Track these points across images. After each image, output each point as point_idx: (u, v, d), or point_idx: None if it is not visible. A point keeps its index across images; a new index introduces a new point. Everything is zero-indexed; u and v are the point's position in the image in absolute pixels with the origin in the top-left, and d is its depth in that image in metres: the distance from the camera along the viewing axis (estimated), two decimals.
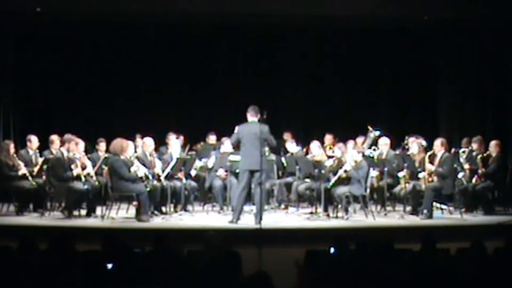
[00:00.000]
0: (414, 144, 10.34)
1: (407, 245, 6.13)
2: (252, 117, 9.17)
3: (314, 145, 10.69)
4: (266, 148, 10.67)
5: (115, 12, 11.54)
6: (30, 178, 9.77)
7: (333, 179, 9.66)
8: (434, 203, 9.82)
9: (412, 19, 12.15)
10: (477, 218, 9.99)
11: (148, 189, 9.26)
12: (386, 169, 10.09)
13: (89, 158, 10.04)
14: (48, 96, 12.61)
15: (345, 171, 9.57)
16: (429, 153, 9.87)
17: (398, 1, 11.40)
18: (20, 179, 9.80)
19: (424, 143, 10.38)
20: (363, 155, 10.01)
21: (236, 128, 9.23)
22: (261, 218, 8.86)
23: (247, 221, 9.15)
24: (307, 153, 10.90)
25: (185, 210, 10.32)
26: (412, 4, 11.32)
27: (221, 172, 10.59)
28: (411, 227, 9.11)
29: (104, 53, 12.69)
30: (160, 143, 11.04)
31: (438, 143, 9.92)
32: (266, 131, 9.04)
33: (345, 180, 9.66)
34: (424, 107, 13.21)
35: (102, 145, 10.75)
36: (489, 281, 4.45)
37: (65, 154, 9.56)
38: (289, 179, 10.93)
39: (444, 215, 10.12)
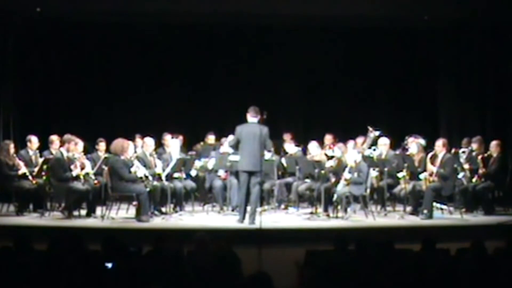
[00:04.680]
0: (414, 144, 10.33)
1: (407, 245, 6.14)
2: (252, 117, 9.18)
3: (312, 145, 10.70)
4: (272, 149, 10.69)
5: (115, 12, 11.54)
6: (30, 177, 9.77)
7: (340, 186, 9.64)
8: (434, 203, 9.82)
9: (412, 19, 12.14)
10: (477, 218, 9.98)
11: (148, 189, 9.26)
12: (386, 169, 10.08)
13: (88, 158, 10.05)
14: (48, 96, 12.60)
15: (346, 179, 9.58)
16: (430, 154, 9.86)
17: (399, 1, 11.40)
18: (20, 179, 9.80)
19: (422, 142, 10.39)
20: (363, 156, 10.00)
21: (236, 129, 9.23)
22: (254, 219, 8.89)
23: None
24: (305, 153, 10.90)
25: (181, 209, 10.27)
26: (412, 4, 11.31)
27: (221, 172, 10.59)
28: (411, 227, 9.11)
29: (104, 53, 12.68)
30: (160, 143, 11.02)
31: (439, 144, 9.91)
32: (265, 133, 9.06)
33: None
34: (424, 107, 13.20)
35: (102, 145, 10.75)
36: (489, 281, 4.45)
37: (65, 154, 9.56)
38: (289, 179, 10.92)
39: (444, 215, 10.11)
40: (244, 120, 9.26)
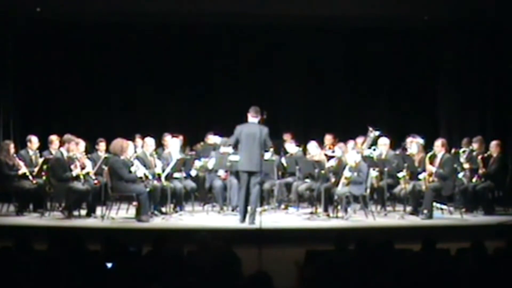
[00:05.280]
0: (414, 144, 10.34)
1: (407, 245, 6.13)
2: (252, 117, 9.18)
3: (312, 145, 10.70)
4: (269, 149, 10.69)
5: (114, 12, 11.53)
6: (30, 177, 9.77)
7: (340, 186, 9.63)
8: (434, 203, 9.82)
9: (412, 19, 12.14)
10: (477, 218, 9.99)
11: (148, 189, 9.26)
12: (386, 169, 10.09)
13: (89, 158, 10.06)
14: (48, 96, 12.59)
15: (346, 178, 9.58)
16: (429, 154, 9.87)
17: (399, 1, 11.40)
18: (20, 179, 9.80)
19: (421, 141, 10.39)
20: (363, 156, 10.00)
21: (236, 128, 9.24)
22: (254, 219, 8.89)
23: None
24: (305, 153, 10.90)
25: (181, 209, 10.25)
26: (412, 4, 11.31)
27: (221, 172, 10.59)
28: (411, 227, 9.12)
29: (104, 53, 12.66)
30: (160, 143, 11.02)
31: (438, 144, 9.91)
32: (265, 133, 9.06)
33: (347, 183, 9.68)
34: (424, 107, 13.20)
35: (102, 145, 10.75)
36: (489, 281, 4.45)
37: (65, 154, 9.56)
38: (289, 179, 10.92)
39: (444, 215, 10.11)
40: (244, 120, 9.26)
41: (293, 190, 10.61)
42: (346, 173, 9.59)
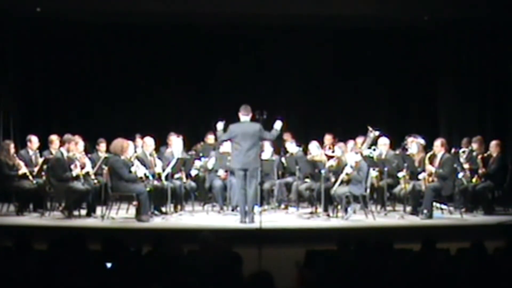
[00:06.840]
0: (414, 144, 10.34)
1: (407, 245, 6.14)
2: (244, 116, 9.23)
3: (313, 145, 10.70)
4: (271, 149, 10.70)
5: (115, 12, 11.53)
6: (30, 177, 9.77)
7: (337, 184, 9.63)
8: (434, 203, 9.82)
9: (412, 19, 12.14)
10: (477, 218, 9.99)
11: (148, 189, 9.27)
12: (386, 169, 10.09)
13: (89, 158, 10.06)
14: (48, 96, 12.60)
15: (347, 174, 9.58)
16: (429, 154, 9.87)
17: (398, 1, 11.40)
18: (20, 179, 9.81)
19: (422, 141, 10.40)
20: (362, 155, 10.00)
21: (229, 128, 9.25)
22: (253, 218, 8.90)
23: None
24: (306, 153, 10.90)
25: (181, 209, 10.26)
26: (412, 4, 11.32)
27: (221, 172, 10.59)
28: (411, 227, 9.12)
29: (104, 53, 12.66)
30: (160, 143, 11.04)
31: (438, 144, 9.91)
32: (258, 128, 9.07)
33: (346, 181, 9.67)
34: (424, 107, 13.21)
35: (102, 145, 10.76)
36: (489, 281, 4.45)
37: (65, 154, 9.56)
38: (289, 179, 10.93)
39: (444, 215, 10.12)
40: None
41: (293, 190, 10.61)
42: (347, 169, 9.57)
